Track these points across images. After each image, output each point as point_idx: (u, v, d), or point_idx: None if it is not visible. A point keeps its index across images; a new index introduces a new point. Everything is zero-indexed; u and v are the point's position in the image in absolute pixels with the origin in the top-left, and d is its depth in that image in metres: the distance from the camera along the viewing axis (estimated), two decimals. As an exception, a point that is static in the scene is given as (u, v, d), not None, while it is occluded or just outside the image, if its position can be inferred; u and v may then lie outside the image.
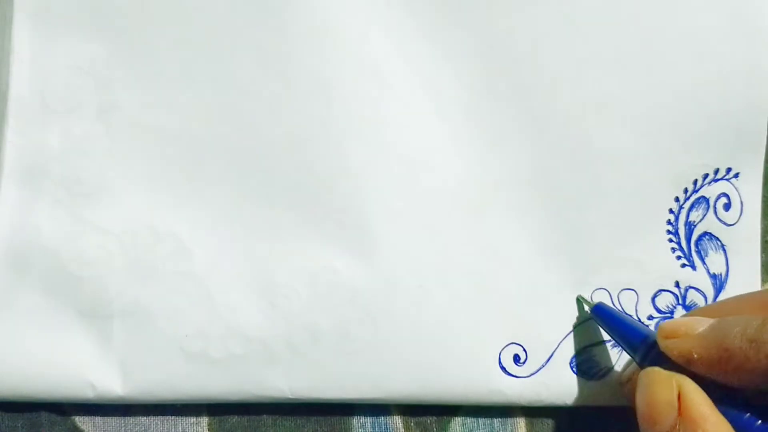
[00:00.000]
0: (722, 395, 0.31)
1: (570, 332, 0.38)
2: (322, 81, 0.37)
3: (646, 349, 0.34)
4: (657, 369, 0.32)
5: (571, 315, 0.38)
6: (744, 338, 0.30)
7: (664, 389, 0.31)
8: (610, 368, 0.38)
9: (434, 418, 0.39)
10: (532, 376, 0.38)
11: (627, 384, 0.37)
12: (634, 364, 0.36)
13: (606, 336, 0.38)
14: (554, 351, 0.38)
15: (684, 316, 0.37)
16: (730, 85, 0.38)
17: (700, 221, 0.39)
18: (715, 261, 0.39)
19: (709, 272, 0.39)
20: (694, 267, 0.39)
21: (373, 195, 0.37)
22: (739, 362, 0.30)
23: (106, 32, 0.36)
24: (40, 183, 0.36)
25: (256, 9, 0.37)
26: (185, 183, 0.37)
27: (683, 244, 0.39)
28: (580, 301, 0.38)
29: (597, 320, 0.37)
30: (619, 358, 0.38)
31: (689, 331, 0.32)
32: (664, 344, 0.32)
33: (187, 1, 0.36)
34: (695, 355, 0.31)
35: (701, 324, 0.32)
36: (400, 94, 0.37)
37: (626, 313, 0.37)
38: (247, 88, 0.37)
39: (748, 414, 0.31)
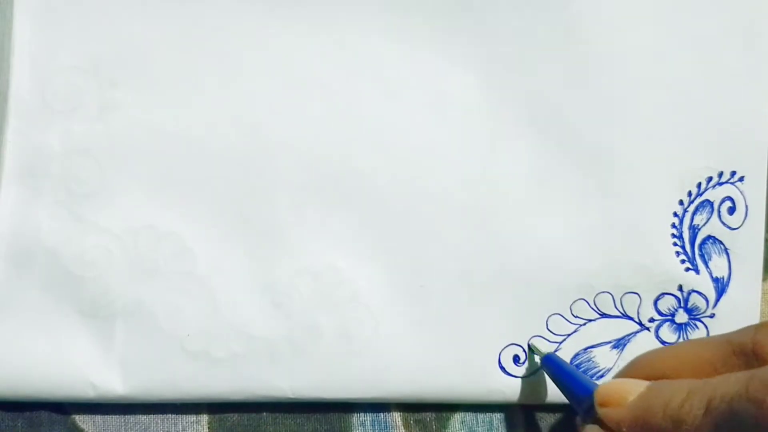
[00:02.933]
0: None
1: (570, 334, 0.38)
2: (324, 82, 0.37)
3: (587, 407, 0.34)
4: (596, 430, 0.33)
5: (573, 318, 0.38)
6: (666, 416, 0.30)
7: None
8: (610, 369, 0.38)
9: (433, 414, 0.39)
10: (532, 376, 0.38)
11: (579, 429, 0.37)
12: None
13: (606, 338, 0.38)
14: (554, 352, 0.38)
15: (626, 369, 0.37)
16: (735, 88, 0.38)
17: (704, 225, 0.39)
18: (718, 265, 0.39)
19: (711, 276, 0.39)
20: (697, 270, 0.39)
21: (375, 195, 0.37)
22: None
23: (106, 32, 0.36)
24: (41, 183, 0.36)
25: (257, 9, 0.36)
26: (186, 182, 0.36)
27: (687, 247, 0.39)
28: (531, 347, 0.38)
29: (545, 369, 0.38)
30: (618, 359, 0.38)
31: (620, 401, 0.32)
32: (599, 411, 0.33)
33: (188, 1, 0.36)
34: (624, 429, 0.31)
35: (632, 392, 0.32)
36: (402, 95, 0.37)
37: (572, 367, 0.37)
38: (248, 89, 0.37)
39: None
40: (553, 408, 0.39)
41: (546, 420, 0.39)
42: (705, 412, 0.28)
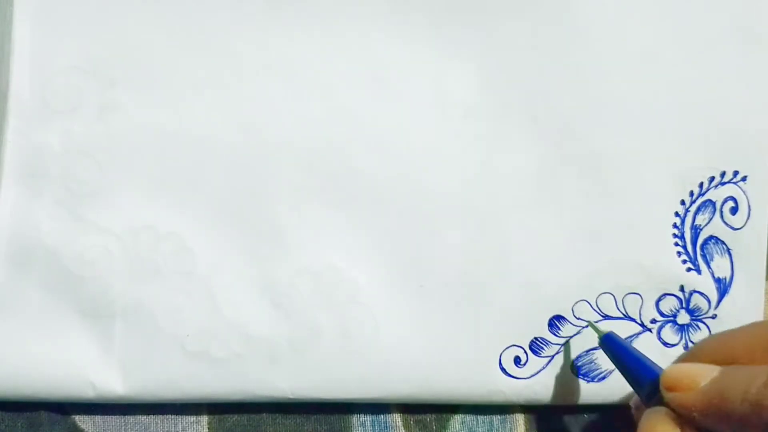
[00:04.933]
0: None
1: (572, 335, 0.38)
2: (324, 82, 0.37)
3: (652, 390, 0.33)
4: (663, 412, 0.32)
5: (575, 320, 0.38)
6: (745, 401, 0.29)
7: None
8: (612, 371, 0.38)
9: (434, 415, 0.39)
10: (533, 378, 0.38)
11: (635, 411, 0.36)
12: None
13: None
14: (555, 353, 0.38)
15: (690, 353, 0.35)
16: (737, 87, 0.38)
17: (706, 225, 0.38)
18: (720, 265, 0.39)
19: (713, 276, 0.39)
20: (699, 271, 0.38)
21: (374, 195, 0.37)
22: (739, 424, 0.29)
23: (106, 32, 0.36)
24: (41, 183, 0.36)
25: (257, 9, 0.36)
26: (186, 182, 0.37)
27: (689, 247, 0.38)
28: (591, 326, 0.38)
29: (605, 350, 0.37)
30: (621, 361, 0.38)
31: (691, 385, 0.31)
32: (666, 396, 0.32)
33: (188, 1, 0.36)
34: (695, 414, 0.31)
35: (704, 377, 0.31)
36: (402, 95, 0.37)
37: (634, 348, 0.36)
38: (248, 88, 0.37)
39: None
40: (554, 409, 0.39)
41: (546, 421, 0.39)
42: None
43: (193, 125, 0.36)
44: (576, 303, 0.38)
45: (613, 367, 0.38)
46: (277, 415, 0.38)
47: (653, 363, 0.34)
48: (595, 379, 0.38)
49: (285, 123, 0.37)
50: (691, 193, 0.38)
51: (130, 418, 0.37)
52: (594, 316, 0.38)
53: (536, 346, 0.38)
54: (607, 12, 0.37)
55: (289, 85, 0.37)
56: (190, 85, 0.36)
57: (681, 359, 0.35)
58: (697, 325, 0.39)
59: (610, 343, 0.36)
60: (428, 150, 0.37)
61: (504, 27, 0.37)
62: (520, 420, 0.39)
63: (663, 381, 0.32)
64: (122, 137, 0.36)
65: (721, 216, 0.38)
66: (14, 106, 0.36)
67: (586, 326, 0.38)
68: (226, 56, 0.36)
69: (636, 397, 0.36)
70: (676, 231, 0.38)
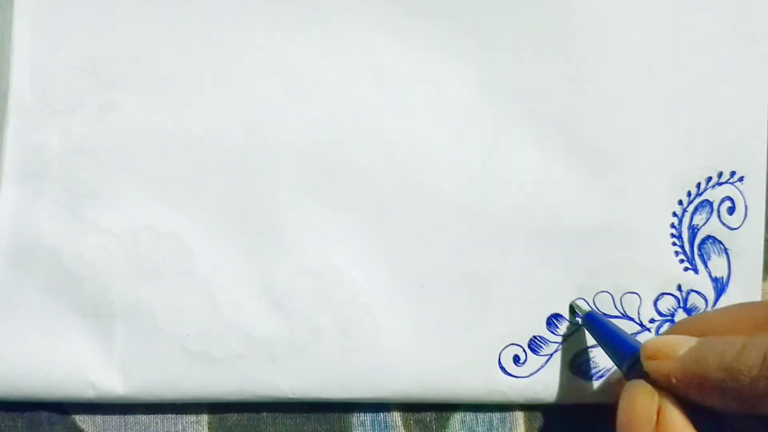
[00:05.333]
0: (704, 416, 0.31)
1: (571, 334, 0.38)
2: (324, 82, 0.37)
3: (632, 362, 0.34)
4: (642, 383, 0.32)
5: (573, 317, 0.38)
6: (720, 366, 0.30)
7: (645, 403, 0.32)
8: (609, 370, 0.38)
9: (433, 414, 0.39)
10: (532, 376, 0.38)
11: (616, 386, 0.37)
12: None
13: (605, 339, 0.38)
14: (554, 352, 0.38)
15: (671, 329, 0.37)
16: (735, 88, 0.38)
17: (704, 225, 0.39)
18: (718, 264, 0.39)
19: (711, 276, 0.39)
20: (696, 270, 0.39)
21: (374, 195, 0.37)
22: (715, 389, 0.30)
23: (106, 32, 0.36)
24: (41, 183, 0.36)
25: (257, 9, 0.36)
26: (186, 182, 0.36)
27: (686, 247, 0.39)
28: (572, 307, 0.38)
29: (587, 328, 0.37)
30: (619, 360, 0.39)
31: (670, 353, 0.32)
32: (646, 365, 0.33)
33: (188, 1, 0.36)
34: (673, 380, 0.31)
35: (682, 346, 0.32)
36: (402, 94, 0.37)
37: (615, 324, 0.37)
38: (248, 88, 0.37)
39: None
40: (554, 408, 0.39)
41: (546, 420, 0.39)
42: (763, 363, 0.28)
43: (193, 125, 0.36)
44: (574, 302, 0.38)
45: (612, 365, 0.38)
46: (277, 415, 0.38)
47: (634, 339, 0.35)
48: (594, 377, 0.38)
49: (285, 123, 0.37)
50: (689, 194, 0.39)
51: (130, 418, 0.37)
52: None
53: (535, 344, 0.38)
54: (607, 13, 0.38)
55: (289, 85, 0.37)
56: (190, 85, 0.36)
57: (664, 333, 0.37)
58: (695, 325, 0.39)
59: (591, 321, 0.37)
60: (428, 150, 0.37)
61: (504, 27, 0.37)
62: (519, 419, 0.39)
63: (643, 351, 0.33)
64: (122, 137, 0.36)
65: (719, 216, 0.39)
66: (14, 106, 0.36)
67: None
68: (226, 56, 0.36)
69: (616, 373, 0.37)
70: (673, 231, 0.39)
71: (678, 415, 0.31)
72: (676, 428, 0.31)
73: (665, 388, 0.32)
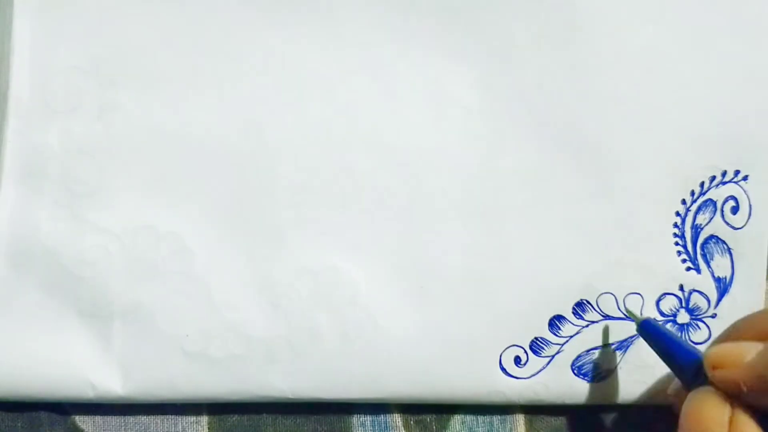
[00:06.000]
0: None
1: (573, 335, 0.38)
2: (324, 82, 0.37)
3: (694, 372, 0.33)
4: (710, 391, 0.32)
5: (575, 319, 0.38)
6: None
7: (716, 411, 0.31)
8: (612, 370, 0.38)
9: (434, 416, 0.39)
10: (533, 377, 0.38)
11: (675, 398, 0.36)
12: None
13: (609, 340, 0.38)
14: (556, 353, 0.38)
15: (727, 334, 0.35)
16: (739, 86, 0.38)
17: (707, 224, 0.38)
18: (721, 264, 0.38)
19: (713, 276, 0.38)
20: (699, 270, 0.38)
21: (374, 195, 0.37)
22: None
23: (106, 32, 0.36)
24: (40, 183, 0.36)
25: (257, 9, 0.36)
26: (185, 182, 0.37)
27: (689, 247, 0.38)
28: (628, 313, 0.38)
29: (643, 336, 0.37)
30: (620, 361, 0.38)
31: (737, 361, 0.31)
32: (711, 375, 0.32)
33: (188, 2, 0.36)
34: (744, 388, 0.31)
35: (749, 352, 0.31)
36: (402, 95, 0.37)
37: (672, 332, 0.36)
38: (248, 88, 0.37)
39: None
40: (554, 408, 0.39)
41: (546, 421, 0.39)
42: None
43: (192, 125, 0.36)
44: (576, 303, 0.38)
45: (614, 366, 0.38)
46: (277, 415, 0.38)
47: (693, 347, 0.35)
48: (595, 379, 0.38)
49: (284, 123, 0.37)
50: (692, 193, 0.38)
51: (130, 418, 0.38)
52: (595, 317, 0.38)
53: (536, 346, 0.38)
54: (608, 12, 0.37)
55: (289, 85, 0.37)
56: (190, 85, 0.36)
57: (719, 339, 0.35)
58: (697, 325, 0.38)
59: (649, 329, 0.36)
60: (428, 150, 0.37)
61: (504, 26, 0.37)
62: (520, 420, 0.39)
63: (707, 361, 0.32)
64: (122, 137, 0.36)
65: (722, 215, 0.38)
66: (14, 106, 0.36)
67: (587, 326, 0.38)
68: (226, 56, 0.36)
69: (674, 384, 0.36)
70: (676, 230, 0.38)
71: (752, 423, 0.30)
72: None
73: (732, 396, 0.31)
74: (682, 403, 0.33)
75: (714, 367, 0.32)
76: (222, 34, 0.36)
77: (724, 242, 0.38)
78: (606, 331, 0.38)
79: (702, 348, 0.37)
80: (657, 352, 0.36)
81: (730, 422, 0.30)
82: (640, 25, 0.38)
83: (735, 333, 0.35)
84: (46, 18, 0.36)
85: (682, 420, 0.32)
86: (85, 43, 0.36)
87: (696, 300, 0.38)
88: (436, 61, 0.37)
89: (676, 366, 0.35)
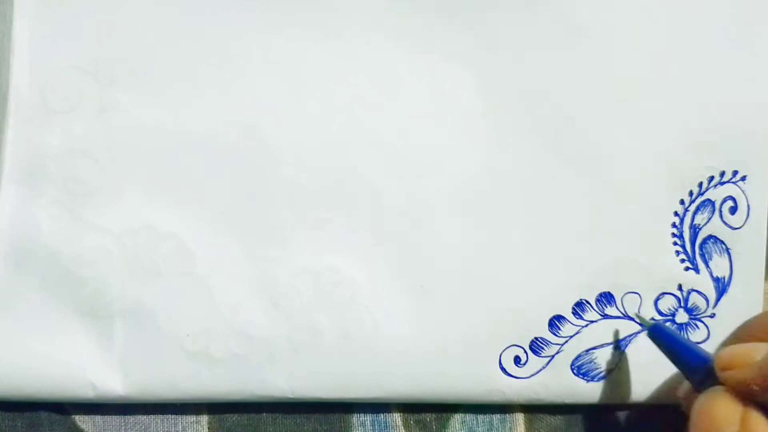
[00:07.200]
0: None
1: (573, 335, 0.38)
2: (324, 82, 0.37)
3: (705, 373, 0.33)
4: (721, 391, 0.32)
5: (574, 319, 0.38)
6: None
7: (728, 410, 0.31)
8: (611, 370, 0.38)
9: (434, 415, 0.39)
10: (532, 377, 0.38)
11: (685, 399, 0.36)
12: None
13: (608, 340, 0.38)
14: (556, 353, 0.38)
15: (735, 336, 0.36)
16: (737, 87, 0.38)
17: (705, 224, 0.39)
18: (719, 264, 0.39)
19: (712, 275, 0.39)
20: (697, 270, 0.39)
21: (374, 195, 0.37)
22: None
23: (106, 32, 0.36)
24: (40, 183, 0.36)
25: (257, 9, 0.36)
26: (186, 183, 0.36)
27: (687, 247, 0.38)
28: (637, 319, 0.38)
29: (654, 340, 0.37)
30: (619, 361, 0.38)
31: (747, 361, 0.31)
32: (722, 376, 0.32)
33: (188, 2, 0.36)
34: (754, 387, 0.31)
35: (758, 352, 0.31)
36: (402, 95, 0.37)
37: (682, 336, 0.37)
38: (248, 89, 0.37)
39: None
40: (554, 408, 0.39)
41: (546, 420, 0.39)
42: None
43: (192, 125, 0.36)
44: (576, 302, 0.38)
45: (614, 366, 0.38)
46: (277, 415, 0.38)
47: (702, 349, 0.35)
48: (595, 379, 0.38)
49: (285, 123, 0.37)
50: (691, 193, 0.38)
51: (130, 418, 0.37)
52: (594, 316, 0.38)
53: (536, 345, 0.38)
54: (607, 12, 0.37)
55: (289, 85, 0.37)
56: (190, 85, 0.36)
57: (728, 341, 0.36)
58: (696, 324, 0.39)
59: (659, 333, 0.37)
60: (428, 150, 0.37)
61: (503, 27, 0.37)
62: (520, 420, 0.39)
63: (718, 362, 0.32)
64: (122, 137, 0.36)
65: (721, 215, 0.39)
66: (14, 106, 0.36)
67: (586, 325, 0.38)
68: (226, 56, 0.36)
69: (684, 386, 0.36)
70: (675, 230, 0.38)
71: (763, 421, 0.30)
72: None
73: (743, 395, 0.31)
74: (692, 404, 0.33)
75: (724, 368, 0.32)
76: (222, 34, 0.36)
77: (722, 242, 0.39)
78: (605, 331, 0.38)
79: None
80: (667, 356, 0.36)
81: (742, 420, 0.31)
82: (640, 26, 0.38)
83: (744, 334, 0.35)
84: (46, 18, 0.36)
85: (694, 419, 0.32)
86: (84, 43, 0.36)
87: (694, 300, 0.39)
88: (436, 61, 0.37)
89: (686, 368, 0.35)
